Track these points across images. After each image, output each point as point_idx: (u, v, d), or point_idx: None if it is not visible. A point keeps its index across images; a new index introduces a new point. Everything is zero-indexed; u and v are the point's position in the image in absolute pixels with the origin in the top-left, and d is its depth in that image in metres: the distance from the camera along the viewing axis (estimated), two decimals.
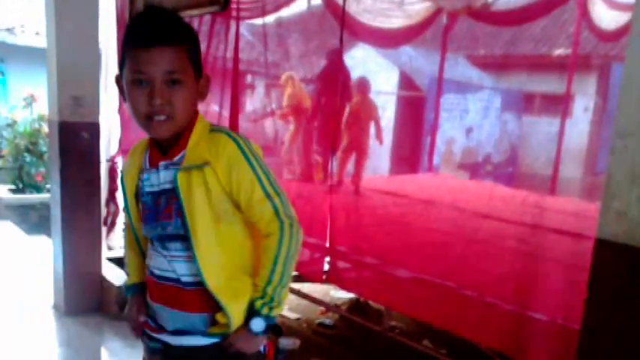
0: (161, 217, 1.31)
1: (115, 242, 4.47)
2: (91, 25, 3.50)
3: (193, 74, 1.26)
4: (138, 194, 1.36)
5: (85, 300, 3.62)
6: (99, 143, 3.64)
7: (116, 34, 4.28)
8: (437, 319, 2.63)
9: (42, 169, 6.70)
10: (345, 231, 3.15)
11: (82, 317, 3.55)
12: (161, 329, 1.37)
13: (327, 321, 3.59)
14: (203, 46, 3.70)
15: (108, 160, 4.36)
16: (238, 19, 3.48)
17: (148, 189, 1.33)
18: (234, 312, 1.29)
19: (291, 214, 1.30)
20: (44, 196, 6.28)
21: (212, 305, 1.29)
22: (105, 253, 3.94)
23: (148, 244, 1.39)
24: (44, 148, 6.61)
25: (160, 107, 1.22)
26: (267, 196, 1.27)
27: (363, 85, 4.39)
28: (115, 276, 3.63)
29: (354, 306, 3.66)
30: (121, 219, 4.45)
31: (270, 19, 3.56)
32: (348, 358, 3.18)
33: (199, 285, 1.28)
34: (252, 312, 1.29)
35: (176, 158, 1.29)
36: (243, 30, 3.56)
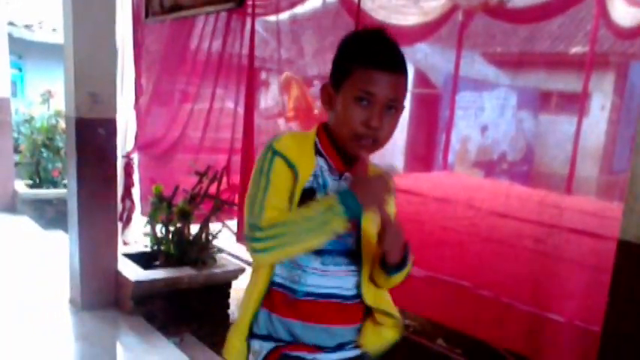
0: None
1: (130, 237, 4.51)
2: (108, 21, 3.52)
3: (403, 104, 1.30)
4: (312, 192, 1.29)
5: (101, 295, 3.66)
6: (115, 139, 3.66)
7: (132, 32, 4.32)
8: (450, 319, 2.62)
9: (59, 165, 6.76)
10: None
11: (98, 312, 3.58)
12: (317, 349, 1.34)
13: None
14: (218, 43, 3.73)
15: (124, 157, 4.40)
16: (254, 15, 3.48)
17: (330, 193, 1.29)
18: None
19: None
20: (61, 191, 6.34)
21: (363, 315, 1.40)
22: (120, 249, 3.97)
23: (294, 259, 1.31)
24: (61, 144, 6.67)
25: (374, 130, 1.24)
26: None
27: None
28: (131, 271, 3.66)
29: None
30: (136, 214, 4.50)
31: (285, 15, 3.56)
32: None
33: (359, 297, 1.35)
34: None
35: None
36: (258, 27, 3.57)
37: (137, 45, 4.29)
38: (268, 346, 1.33)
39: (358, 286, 1.35)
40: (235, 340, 1.37)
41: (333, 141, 1.31)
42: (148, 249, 4.00)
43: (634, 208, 1.17)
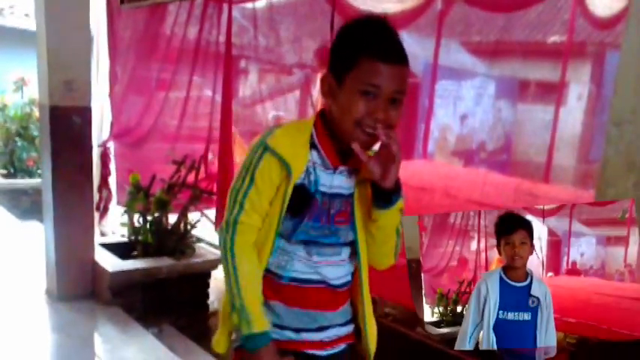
0: (335, 221, 1.32)
1: (107, 228, 4.46)
2: (81, 7, 3.45)
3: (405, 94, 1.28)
4: (304, 189, 1.29)
5: (78, 286, 3.62)
6: (91, 128, 3.60)
7: (107, 18, 4.23)
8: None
9: (33, 154, 6.65)
10: None
11: (75, 303, 3.54)
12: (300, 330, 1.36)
13: None
14: (195, 30, 3.67)
15: (100, 145, 4.33)
16: (231, 2, 3.44)
17: (322, 188, 1.30)
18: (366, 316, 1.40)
19: None
20: (36, 181, 6.24)
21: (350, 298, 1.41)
22: (97, 239, 3.92)
23: (282, 246, 1.33)
24: (36, 133, 6.55)
25: (379, 122, 1.21)
26: None
27: None
28: (108, 262, 3.62)
29: None
30: (113, 204, 4.44)
31: (262, 3, 3.52)
32: None
33: (347, 285, 1.37)
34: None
35: (353, 168, 1.32)
36: (236, 14, 3.52)
37: (112, 31, 4.21)
38: None
39: (347, 274, 1.37)
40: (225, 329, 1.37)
41: (331, 133, 1.29)
42: (126, 239, 3.96)
43: (605, 194, 1.19)
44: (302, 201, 1.27)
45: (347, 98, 1.23)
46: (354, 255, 1.37)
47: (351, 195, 1.32)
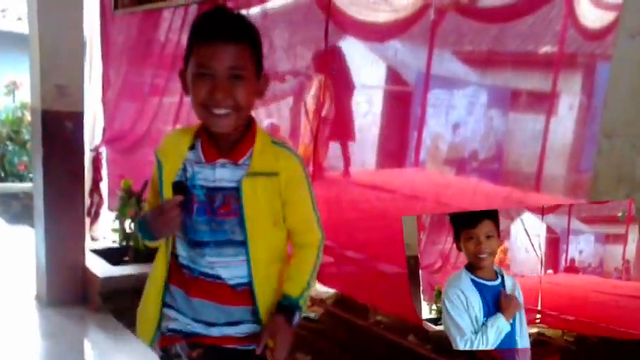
0: (218, 214, 1.36)
1: (98, 233, 4.43)
2: (74, 11, 3.45)
3: (254, 72, 1.33)
4: (179, 185, 1.35)
5: (68, 291, 3.59)
6: (83, 133, 3.59)
7: (100, 23, 4.23)
8: (417, 316, 2.64)
9: (25, 158, 6.61)
10: (328, 224, 3.12)
11: (65, 309, 3.52)
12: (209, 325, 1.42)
13: (312, 315, 3.60)
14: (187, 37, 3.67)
15: (92, 150, 4.31)
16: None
17: (201, 182, 1.36)
18: (264, 313, 1.41)
19: (322, 230, 1.50)
20: (27, 185, 6.19)
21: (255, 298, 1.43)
22: (88, 244, 3.90)
23: (185, 245, 1.42)
24: (27, 137, 6.51)
25: (222, 101, 1.27)
26: (315, 212, 1.46)
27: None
28: (99, 267, 3.60)
29: (340, 300, 3.67)
30: (104, 209, 4.41)
31: (256, 10, 3.53)
32: (333, 352, 3.18)
33: (248, 285, 1.39)
34: (291, 307, 1.39)
35: (241, 160, 1.36)
36: None
37: (105, 36, 4.21)
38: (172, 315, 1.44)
39: (244, 275, 1.39)
40: (150, 308, 1.48)
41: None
42: (117, 245, 3.94)
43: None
44: (182, 196, 1.34)
45: (190, 85, 1.31)
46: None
47: (236, 189, 1.34)
